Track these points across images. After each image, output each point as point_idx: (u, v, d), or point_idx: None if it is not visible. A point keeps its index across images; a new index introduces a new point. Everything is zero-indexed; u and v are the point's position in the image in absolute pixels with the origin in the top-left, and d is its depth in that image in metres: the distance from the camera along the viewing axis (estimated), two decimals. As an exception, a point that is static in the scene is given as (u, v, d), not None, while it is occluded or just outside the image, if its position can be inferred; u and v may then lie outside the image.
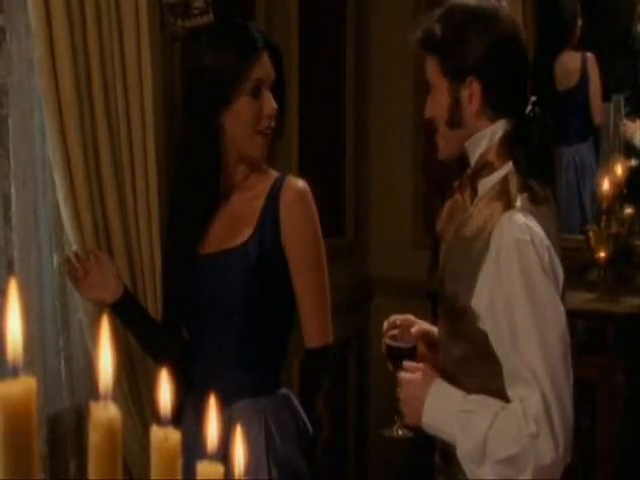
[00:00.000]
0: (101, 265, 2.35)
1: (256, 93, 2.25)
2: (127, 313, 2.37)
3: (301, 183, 2.32)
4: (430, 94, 2.01)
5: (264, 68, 2.26)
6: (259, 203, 2.29)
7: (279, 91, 2.33)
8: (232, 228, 2.31)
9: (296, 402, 2.38)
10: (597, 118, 4.10)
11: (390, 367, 2.07)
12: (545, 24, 4.06)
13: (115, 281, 2.35)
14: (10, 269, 2.34)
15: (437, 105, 1.99)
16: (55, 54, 2.26)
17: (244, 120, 2.26)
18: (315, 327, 2.31)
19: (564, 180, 4.13)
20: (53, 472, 2.43)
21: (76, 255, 2.35)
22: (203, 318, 2.32)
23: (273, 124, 2.28)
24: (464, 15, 1.95)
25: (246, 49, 2.25)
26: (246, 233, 2.28)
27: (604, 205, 3.67)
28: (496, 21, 1.94)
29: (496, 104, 1.95)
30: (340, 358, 2.42)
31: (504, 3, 2.02)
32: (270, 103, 2.26)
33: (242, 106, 2.25)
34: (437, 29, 1.96)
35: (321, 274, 2.32)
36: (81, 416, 2.47)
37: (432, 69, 1.98)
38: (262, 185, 2.31)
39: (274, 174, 2.34)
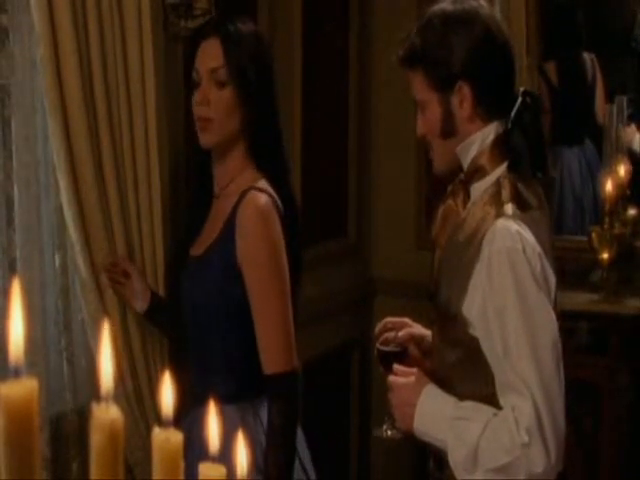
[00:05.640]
0: (128, 278, 2.44)
1: (197, 84, 2.25)
2: (154, 321, 2.48)
3: (262, 200, 2.19)
4: (420, 111, 1.99)
5: (200, 57, 2.26)
6: (226, 213, 2.23)
7: (240, 80, 2.23)
8: (208, 234, 2.29)
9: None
10: (601, 119, 4.12)
11: (382, 370, 2.07)
12: (559, 27, 4.09)
13: (142, 294, 2.43)
14: (13, 270, 2.34)
15: (429, 120, 1.97)
16: (58, 54, 2.26)
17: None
18: (267, 354, 2.19)
19: (569, 181, 4.13)
20: (55, 473, 2.42)
21: (113, 264, 2.41)
22: (188, 319, 2.31)
23: (205, 113, 2.22)
24: (443, 21, 1.93)
25: (192, 43, 2.30)
26: (209, 242, 2.25)
27: (607, 206, 3.66)
28: (476, 21, 1.93)
29: (487, 104, 1.94)
30: (299, 388, 2.24)
31: (482, 2, 2.00)
32: (201, 90, 2.23)
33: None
34: (417, 41, 1.94)
35: (274, 299, 2.18)
36: (83, 417, 2.47)
37: (419, 85, 1.96)
38: (235, 195, 2.23)
39: (249, 182, 2.23)
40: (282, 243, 2.20)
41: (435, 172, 2.05)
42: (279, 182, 2.27)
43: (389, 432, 2.09)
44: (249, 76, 2.23)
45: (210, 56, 2.24)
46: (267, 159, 2.28)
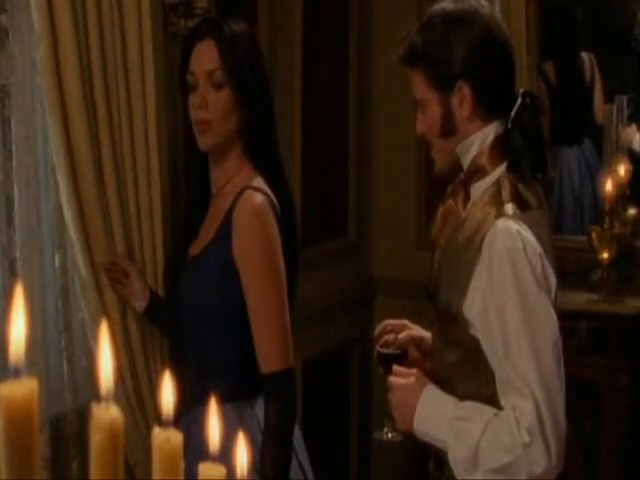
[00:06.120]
0: (128, 278, 2.45)
1: (194, 87, 2.24)
2: (154, 321, 2.49)
3: (257, 199, 2.19)
4: (419, 110, 1.99)
5: (195, 60, 2.24)
6: (223, 213, 2.23)
7: (237, 80, 2.22)
8: (206, 234, 2.29)
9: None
10: (600, 118, 4.12)
11: (382, 372, 2.07)
12: (558, 26, 4.09)
13: (141, 294, 2.45)
14: (13, 270, 2.34)
15: (429, 119, 1.97)
16: (58, 54, 2.26)
17: (188, 114, 2.27)
18: (263, 353, 2.18)
19: (568, 180, 4.14)
20: (55, 473, 2.42)
21: (112, 263, 2.42)
22: (186, 319, 2.31)
23: (204, 116, 2.20)
24: (443, 20, 1.93)
25: (185, 45, 2.28)
26: (206, 242, 2.25)
27: (607, 206, 3.66)
28: (477, 20, 1.93)
29: (487, 104, 1.94)
30: (295, 387, 2.26)
31: (483, 2, 2.01)
32: (199, 93, 2.22)
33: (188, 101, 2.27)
34: (418, 40, 1.95)
35: (270, 297, 2.18)
36: (83, 417, 2.47)
37: (419, 85, 1.96)
38: (232, 194, 2.23)
39: (245, 182, 2.23)
40: (278, 241, 2.20)
41: (436, 171, 2.05)
42: (276, 181, 2.27)
43: (389, 435, 2.09)
44: (245, 76, 2.22)
45: (206, 58, 2.23)
46: (264, 159, 2.28)
